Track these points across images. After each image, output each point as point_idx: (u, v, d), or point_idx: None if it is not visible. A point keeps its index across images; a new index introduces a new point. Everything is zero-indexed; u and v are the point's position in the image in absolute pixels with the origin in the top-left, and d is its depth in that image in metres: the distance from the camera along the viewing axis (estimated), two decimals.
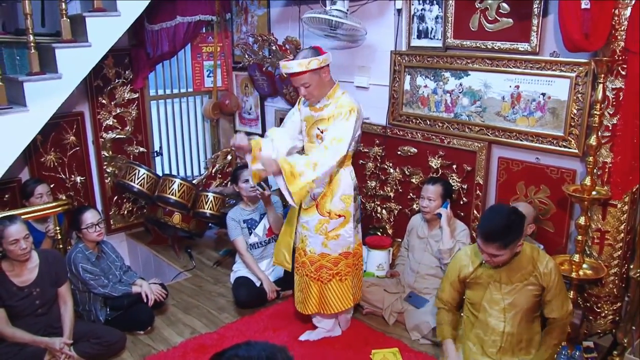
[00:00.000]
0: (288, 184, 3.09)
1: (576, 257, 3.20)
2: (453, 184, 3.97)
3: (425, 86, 4.08)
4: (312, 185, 3.14)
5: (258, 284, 4.12)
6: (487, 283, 2.95)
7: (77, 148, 5.03)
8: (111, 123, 5.21)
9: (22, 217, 3.44)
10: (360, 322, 3.82)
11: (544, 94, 3.47)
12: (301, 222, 3.52)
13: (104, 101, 5.12)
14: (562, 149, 3.45)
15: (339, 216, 3.40)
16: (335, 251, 3.44)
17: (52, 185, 4.67)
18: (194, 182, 5.30)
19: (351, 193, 3.42)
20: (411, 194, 4.33)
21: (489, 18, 3.62)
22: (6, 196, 4.59)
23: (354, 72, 4.53)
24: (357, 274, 3.62)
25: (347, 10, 4.13)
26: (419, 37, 4.06)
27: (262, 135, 5.42)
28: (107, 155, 5.24)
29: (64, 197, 4.87)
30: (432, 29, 3.96)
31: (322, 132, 3.34)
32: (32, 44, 3.84)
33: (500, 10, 3.55)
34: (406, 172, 4.32)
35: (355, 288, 3.60)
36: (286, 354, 1.58)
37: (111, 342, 3.54)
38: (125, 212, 5.49)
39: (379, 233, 4.56)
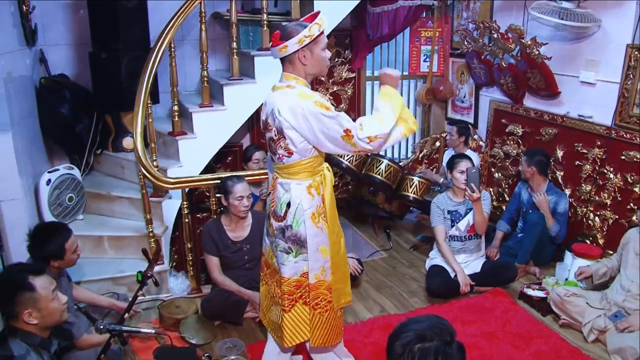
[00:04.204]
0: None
1: None
2: None
3: None
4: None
5: (453, 275, 4.06)
6: None
7: None
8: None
9: None
10: (554, 332, 3.59)
11: None
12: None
13: (322, 78, 5.38)
14: None
15: None
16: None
17: (267, 153, 5.04)
18: (400, 164, 5.36)
19: None
20: (631, 204, 3.93)
21: None
22: (229, 158, 5.10)
23: (579, 66, 4.20)
24: None
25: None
26: None
27: (473, 125, 5.32)
28: None
29: None
30: None
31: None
32: (265, 22, 4.17)
33: None
34: (629, 179, 3.93)
35: None
36: (449, 329, 1.59)
37: None
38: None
39: (587, 241, 4.23)
